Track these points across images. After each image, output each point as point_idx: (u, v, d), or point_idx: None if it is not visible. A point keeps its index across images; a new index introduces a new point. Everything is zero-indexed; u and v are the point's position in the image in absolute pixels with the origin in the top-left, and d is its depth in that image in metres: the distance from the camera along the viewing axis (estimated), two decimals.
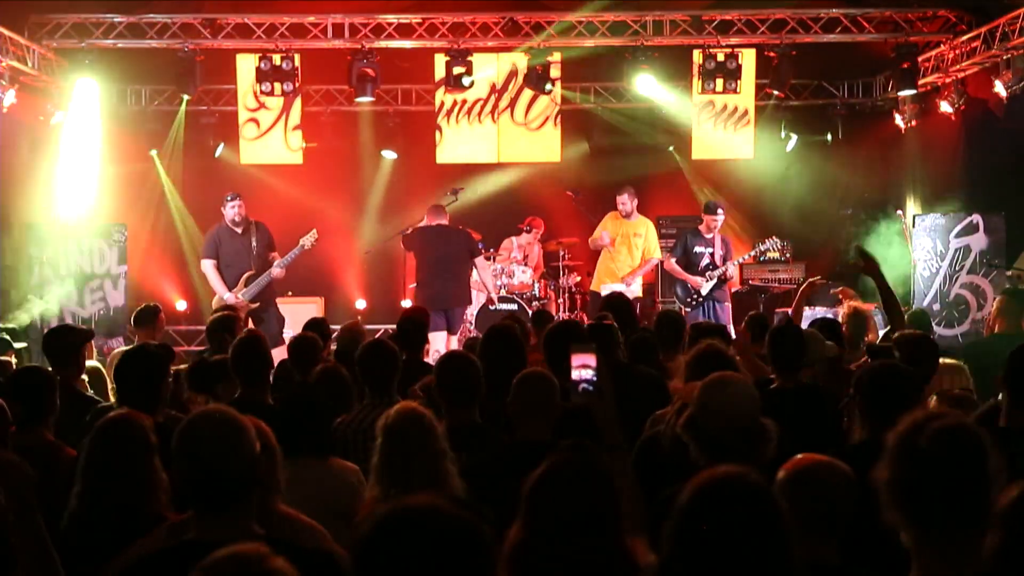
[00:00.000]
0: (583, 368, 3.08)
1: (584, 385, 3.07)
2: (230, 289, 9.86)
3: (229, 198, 10.07)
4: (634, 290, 11.03)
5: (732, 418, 3.13)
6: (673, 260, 10.85)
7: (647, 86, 11.84)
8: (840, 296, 9.25)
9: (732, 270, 10.78)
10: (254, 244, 9.97)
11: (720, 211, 10.77)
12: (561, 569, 2.44)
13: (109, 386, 6.26)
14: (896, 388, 3.78)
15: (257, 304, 9.90)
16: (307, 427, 3.89)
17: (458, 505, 1.91)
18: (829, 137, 13.44)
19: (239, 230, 10.03)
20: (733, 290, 12.20)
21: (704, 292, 10.56)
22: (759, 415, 3.22)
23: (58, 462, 4.02)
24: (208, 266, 10.04)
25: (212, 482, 2.57)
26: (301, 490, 3.40)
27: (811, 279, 7.64)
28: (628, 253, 11.03)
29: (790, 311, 7.32)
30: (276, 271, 9.93)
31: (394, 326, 7.34)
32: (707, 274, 10.60)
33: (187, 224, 13.05)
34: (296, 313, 10.48)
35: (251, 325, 9.79)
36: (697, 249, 10.71)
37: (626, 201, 11.08)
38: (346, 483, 3.87)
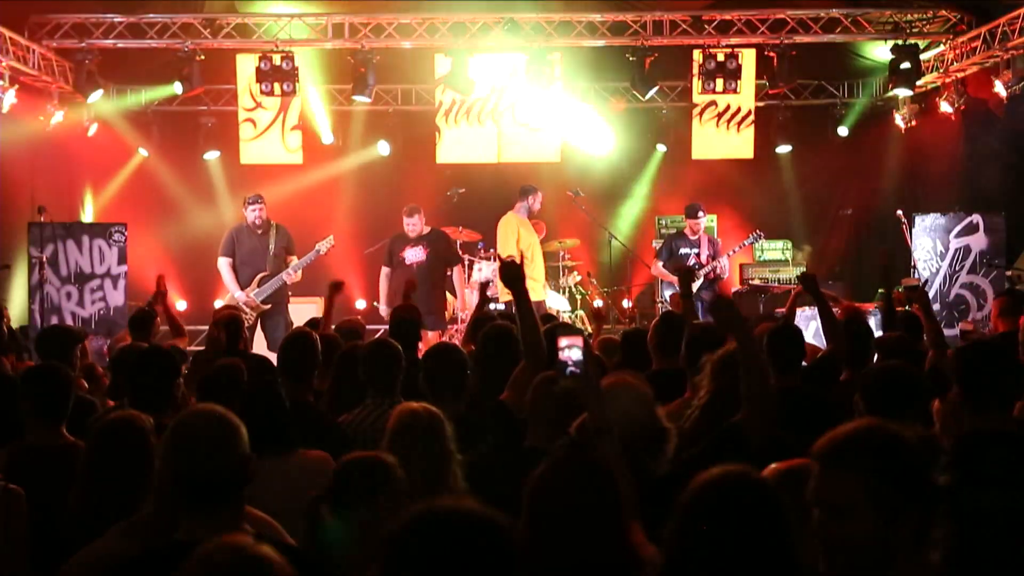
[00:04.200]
0: (570, 349, 3.10)
1: (571, 368, 3.10)
2: (243, 288, 9.87)
3: (251, 200, 10.04)
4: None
5: (623, 424, 3.19)
6: (660, 264, 10.80)
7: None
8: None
9: (723, 265, 10.61)
10: (272, 245, 9.98)
11: (701, 214, 10.73)
12: (566, 568, 2.44)
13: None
14: (903, 393, 3.70)
15: (269, 306, 9.89)
16: (266, 423, 3.72)
17: (484, 507, 1.90)
18: (844, 131, 13.23)
19: (259, 232, 10.04)
20: (733, 290, 12.17)
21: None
22: (652, 421, 3.40)
23: (75, 463, 3.80)
24: (223, 264, 10.05)
25: (204, 480, 2.54)
26: (269, 487, 3.30)
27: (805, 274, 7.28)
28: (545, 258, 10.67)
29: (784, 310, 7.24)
30: (289, 273, 9.92)
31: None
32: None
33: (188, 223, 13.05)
34: (295, 313, 10.46)
35: (258, 327, 9.84)
36: (683, 251, 10.66)
37: (541, 201, 10.77)
38: (312, 477, 3.86)
